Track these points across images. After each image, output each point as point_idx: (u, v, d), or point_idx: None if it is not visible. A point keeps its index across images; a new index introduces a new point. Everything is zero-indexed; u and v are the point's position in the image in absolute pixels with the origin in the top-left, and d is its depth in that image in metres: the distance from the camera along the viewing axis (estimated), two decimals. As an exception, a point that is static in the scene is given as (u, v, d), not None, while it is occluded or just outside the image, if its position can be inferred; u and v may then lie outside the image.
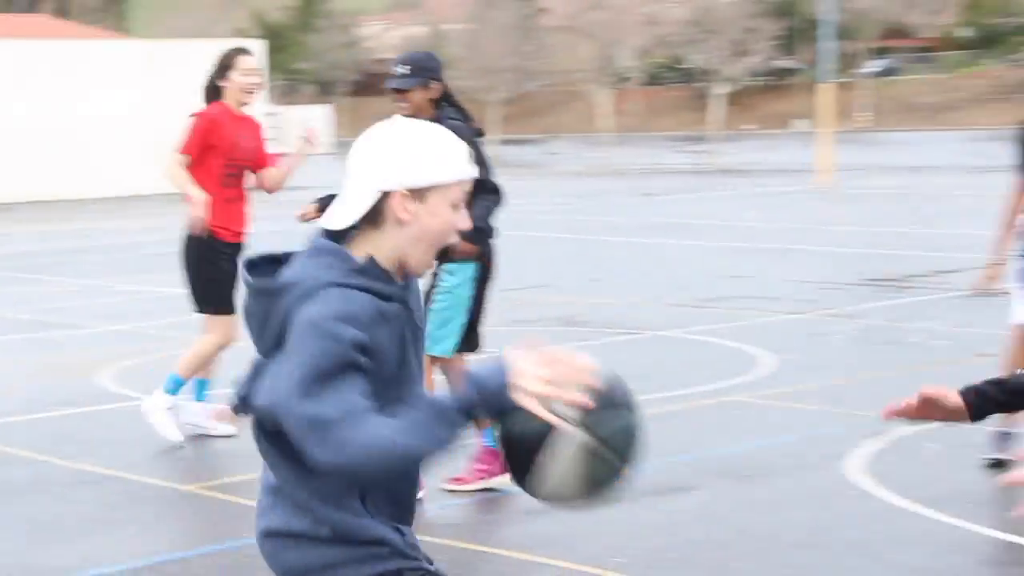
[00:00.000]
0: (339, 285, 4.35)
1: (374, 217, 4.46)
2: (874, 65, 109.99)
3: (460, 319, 10.03)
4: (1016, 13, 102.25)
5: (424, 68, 10.01)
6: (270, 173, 11.76)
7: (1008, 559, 8.32)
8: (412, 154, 4.46)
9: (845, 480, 9.95)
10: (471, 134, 9.99)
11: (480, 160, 9.87)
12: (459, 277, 10.02)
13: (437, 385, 9.56)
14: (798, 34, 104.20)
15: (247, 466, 10.75)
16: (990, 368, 9.80)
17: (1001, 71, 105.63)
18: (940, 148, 66.97)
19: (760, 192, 42.36)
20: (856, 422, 11.46)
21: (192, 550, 8.94)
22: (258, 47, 57.33)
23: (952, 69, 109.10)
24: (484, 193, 9.95)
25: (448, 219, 4.50)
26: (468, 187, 4.64)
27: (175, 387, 11.32)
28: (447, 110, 10.20)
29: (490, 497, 9.87)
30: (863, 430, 11.16)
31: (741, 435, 11.48)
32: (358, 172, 4.53)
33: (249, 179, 11.70)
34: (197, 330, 11.90)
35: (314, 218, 9.95)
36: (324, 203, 10.00)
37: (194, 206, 11.02)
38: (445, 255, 9.33)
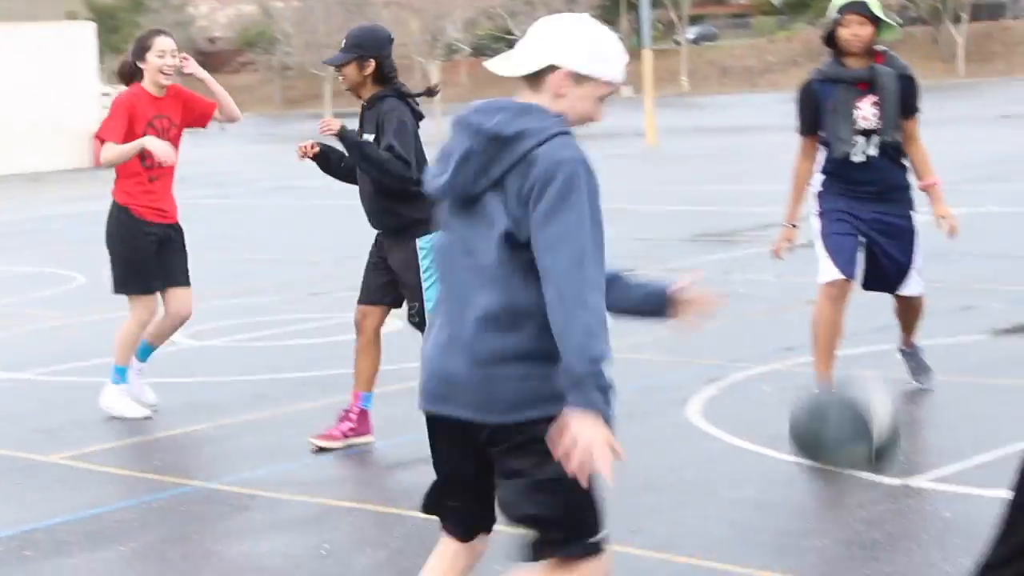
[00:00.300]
0: (565, 134, 5.14)
1: (535, 82, 5.23)
2: (692, 31, 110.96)
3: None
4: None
5: (357, 44, 9.77)
6: (218, 107, 11.43)
7: (834, 491, 8.44)
8: (585, 45, 5.17)
9: (685, 424, 10.09)
10: (414, 123, 9.97)
11: (419, 151, 9.84)
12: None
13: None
14: (618, 3, 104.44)
15: (107, 435, 10.80)
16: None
17: (811, 34, 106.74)
18: (758, 109, 67.44)
19: (595, 156, 42.41)
20: (692, 370, 11.61)
21: (57, 518, 8.80)
22: (89, 29, 56.50)
23: (766, 33, 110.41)
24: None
25: (590, 108, 5.31)
26: (616, 92, 5.51)
27: (118, 376, 11.19)
28: (388, 92, 9.94)
29: (353, 453, 9.94)
30: (700, 377, 11.32)
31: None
32: (537, 39, 5.25)
33: (215, 127, 11.66)
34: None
35: (315, 154, 9.93)
36: (325, 146, 10.01)
37: (159, 152, 10.69)
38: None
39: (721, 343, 12.68)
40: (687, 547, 7.66)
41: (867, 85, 10.06)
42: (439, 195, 5.38)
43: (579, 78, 5.19)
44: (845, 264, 10.06)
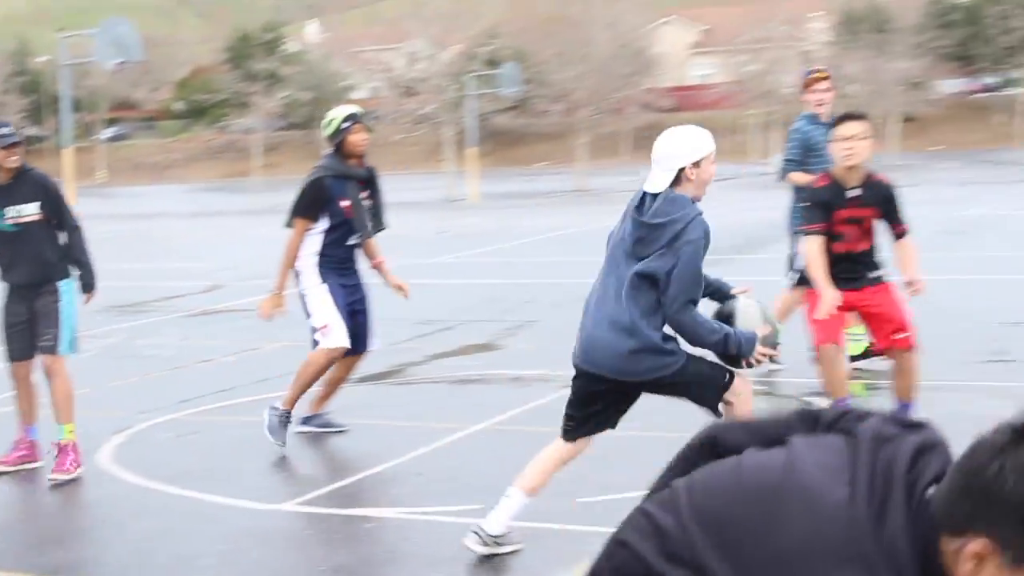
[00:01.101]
0: (700, 215, 7.05)
1: (676, 180, 7.07)
2: (108, 132, 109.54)
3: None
4: (216, 90, 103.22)
5: None
6: None
7: (224, 515, 8.42)
8: (695, 141, 7.14)
9: (97, 469, 9.84)
10: None
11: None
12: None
13: None
14: (43, 107, 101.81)
15: None
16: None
17: (209, 135, 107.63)
18: (165, 198, 67.04)
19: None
20: (102, 422, 11.37)
21: None
22: None
23: (170, 135, 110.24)
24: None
25: (712, 172, 7.23)
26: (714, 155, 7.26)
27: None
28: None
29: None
30: (109, 428, 11.09)
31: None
32: (665, 157, 7.10)
33: None
34: None
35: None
36: None
37: None
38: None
39: (127, 397, 12.53)
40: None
41: (364, 183, 10.30)
42: None
43: (697, 162, 7.10)
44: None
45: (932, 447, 2.24)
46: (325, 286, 10.20)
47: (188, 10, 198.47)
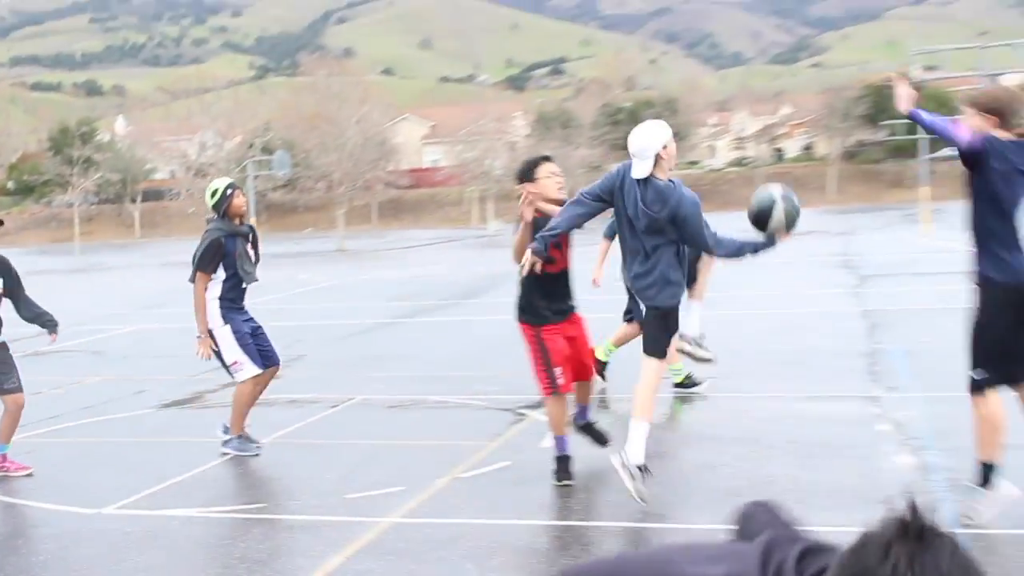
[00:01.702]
0: (683, 190, 7.74)
1: (655, 164, 7.63)
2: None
3: None
4: (42, 172, 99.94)
5: None
6: None
7: (52, 519, 8.15)
8: (659, 131, 7.69)
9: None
10: None
11: None
12: None
13: None
14: None
15: None
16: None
17: (36, 209, 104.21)
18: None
19: None
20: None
21: None
22: None
23: (4, 208, 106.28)
24: None
25: (674, 148, 7.81)
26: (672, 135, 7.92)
27: None
28: None
29: None
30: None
31: None
32: (642, 149, 7.66)
33: None
34: None
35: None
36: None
37: None
38: None
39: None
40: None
41: (247, 237, 10.16)
42: None
43: (667, 146, 7.70)
44: (260, 360, 10.06)
45: (819, 550, 2.09)
46: (228, 326, 9.98)
47: (17, 107, 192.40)
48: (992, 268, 7.09)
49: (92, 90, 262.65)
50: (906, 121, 60.09)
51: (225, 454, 10.00)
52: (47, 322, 10.20)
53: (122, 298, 29.12)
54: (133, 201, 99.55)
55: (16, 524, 8.27)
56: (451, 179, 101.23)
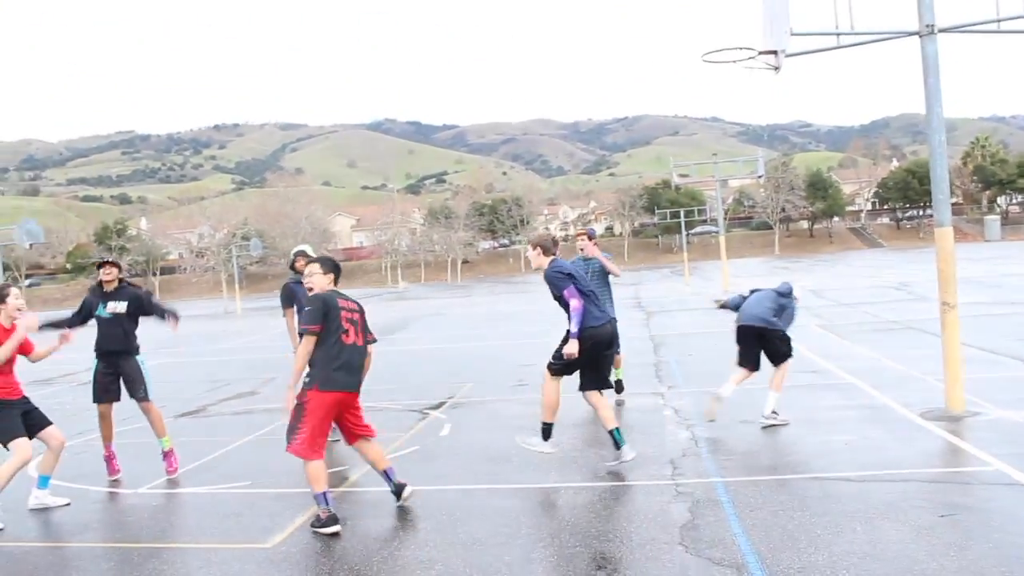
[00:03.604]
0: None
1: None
2: (26, 281, 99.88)
3: None
4: (88, 257, 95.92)
5: None
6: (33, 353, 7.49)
7: None
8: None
9: None
10: None
11: None
12: None
13: None
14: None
15: None
16: None
17: (87, 281, 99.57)
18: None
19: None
20: None
21: None
22: None
23: (64, 282, 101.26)
24: None
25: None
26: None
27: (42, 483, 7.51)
28: None
29: None
30: None
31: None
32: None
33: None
34: None
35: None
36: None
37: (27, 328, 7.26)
38: None
39: None
40: None
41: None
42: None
43: None
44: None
45: None
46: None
47: (71, 212, 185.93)
48: None
49: (123, 200, 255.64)
50: (670, 209, 62.13)
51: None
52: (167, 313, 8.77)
53: (147, 340, 27.97)
54: (154, 275, 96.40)
55: (79, 503, 7.78)
56: (372, 254, 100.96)
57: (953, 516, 5.75)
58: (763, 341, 8.88)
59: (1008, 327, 15.61)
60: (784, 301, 9.04)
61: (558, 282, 7.39)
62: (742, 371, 8.90)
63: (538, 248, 7.61)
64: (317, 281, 6.62)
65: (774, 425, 8.75)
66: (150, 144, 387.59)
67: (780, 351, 8.88)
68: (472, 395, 12.12)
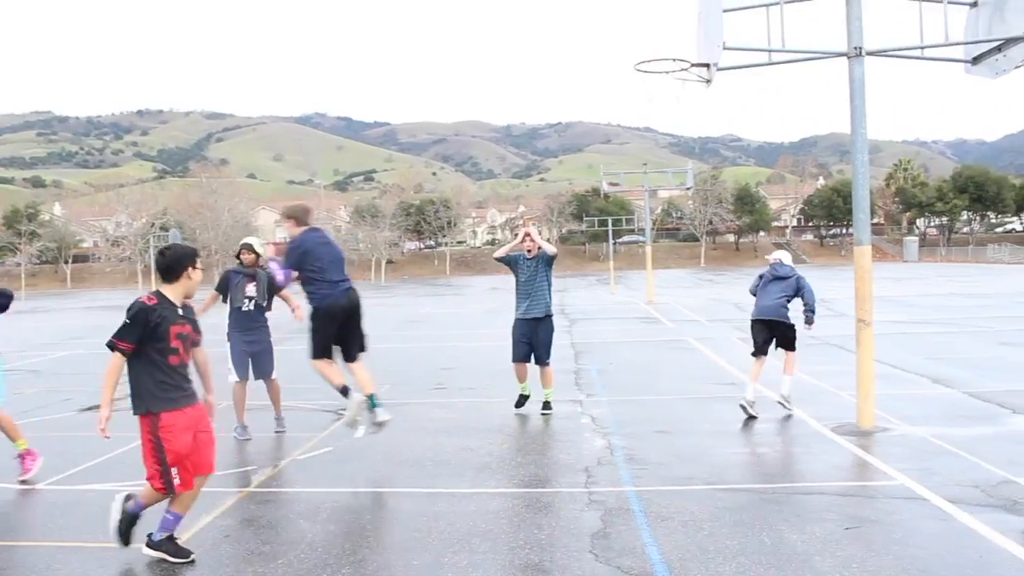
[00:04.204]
0: None
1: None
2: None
3: None
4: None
5: None
6: None
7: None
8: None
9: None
10: None
11: None
12: None
13: None
14: None
15: None
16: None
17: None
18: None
19: None
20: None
21: None
22: None
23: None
24: None
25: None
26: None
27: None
28: None
29: None
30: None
31: None
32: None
33: None
34: None
35: None
36: None
37: None
38: None
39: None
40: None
41: (250, 277, 9.95)
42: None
43: None
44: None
45: None
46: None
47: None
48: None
49: (37, 183, 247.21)
50: (598, 217, 62.69)
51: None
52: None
53: (55, 332, 27.11)
54: (66, 263, 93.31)
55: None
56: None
57: (858, 528, 5.91)
58: (775, 331, 9.95)
59: (920, 345, 16.14)
60: (790, 282, 9.94)
61: (288, 254, 8.04)
62: (757, 364, 9.93)
63: (291, 220, 8.09)
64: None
65: (784, 407, 9.88)
66: (68, 126, 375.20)
67: (789, 338, 9.95)
68: (388, 397, 12.03)
